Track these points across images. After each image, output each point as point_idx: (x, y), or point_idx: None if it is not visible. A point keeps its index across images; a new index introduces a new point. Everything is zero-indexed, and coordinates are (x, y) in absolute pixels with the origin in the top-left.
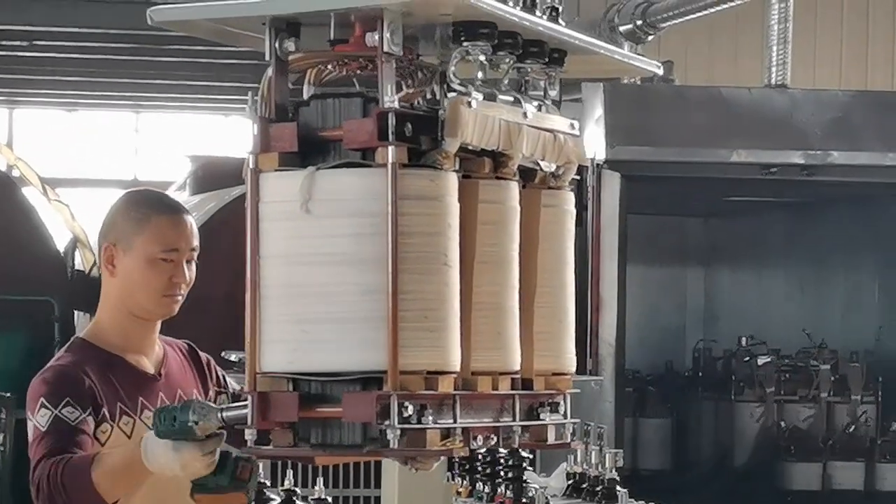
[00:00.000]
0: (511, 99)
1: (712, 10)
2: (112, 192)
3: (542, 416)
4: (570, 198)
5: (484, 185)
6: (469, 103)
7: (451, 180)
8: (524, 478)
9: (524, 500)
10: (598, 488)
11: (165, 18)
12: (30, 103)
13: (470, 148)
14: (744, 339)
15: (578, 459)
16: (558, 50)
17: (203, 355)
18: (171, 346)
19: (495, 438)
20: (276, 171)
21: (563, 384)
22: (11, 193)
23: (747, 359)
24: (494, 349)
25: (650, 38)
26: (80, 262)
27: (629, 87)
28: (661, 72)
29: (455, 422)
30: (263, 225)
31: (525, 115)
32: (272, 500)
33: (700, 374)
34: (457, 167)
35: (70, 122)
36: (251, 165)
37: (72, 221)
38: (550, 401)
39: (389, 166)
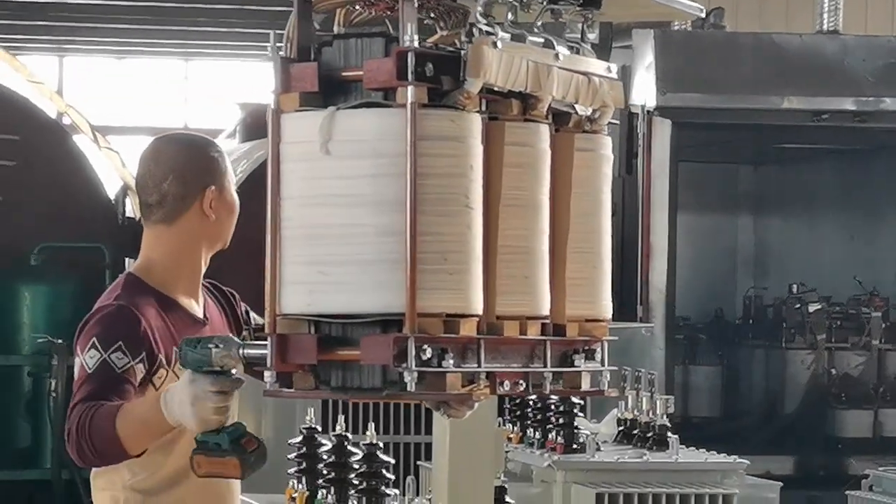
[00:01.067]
0: (541, 41)
1: None
2: None
3: (576, 363)
4: (607, 142)
5: (511, 127)
6: (494, 44)
7: (474, 121)
8: (575, 423)
9: (575, 446)
10: (648, 434)
11: None
12: (79, 51)
13: (496, 89)
14: (794, 286)
15: (629, 406)
16: None
17: (227, 290)
18: (204, 288)
19: (524, 384)
20: (297, 111)
21: (599, 331)
22: (62, 141)
23: (798, 306)
24: (521, 293)
25: None
26: (131, 209)
27: (679, 34)
28: (703, 14)
29: (479, 366)
30: (284, 166)
31: (557, 56)
32: (323, 444)
33: (750, 321)
34: (482, 108)
35: (119, 69)
36: (272, 106)
37: (122, 169)
38: (586, 347)
39: (409, 106)
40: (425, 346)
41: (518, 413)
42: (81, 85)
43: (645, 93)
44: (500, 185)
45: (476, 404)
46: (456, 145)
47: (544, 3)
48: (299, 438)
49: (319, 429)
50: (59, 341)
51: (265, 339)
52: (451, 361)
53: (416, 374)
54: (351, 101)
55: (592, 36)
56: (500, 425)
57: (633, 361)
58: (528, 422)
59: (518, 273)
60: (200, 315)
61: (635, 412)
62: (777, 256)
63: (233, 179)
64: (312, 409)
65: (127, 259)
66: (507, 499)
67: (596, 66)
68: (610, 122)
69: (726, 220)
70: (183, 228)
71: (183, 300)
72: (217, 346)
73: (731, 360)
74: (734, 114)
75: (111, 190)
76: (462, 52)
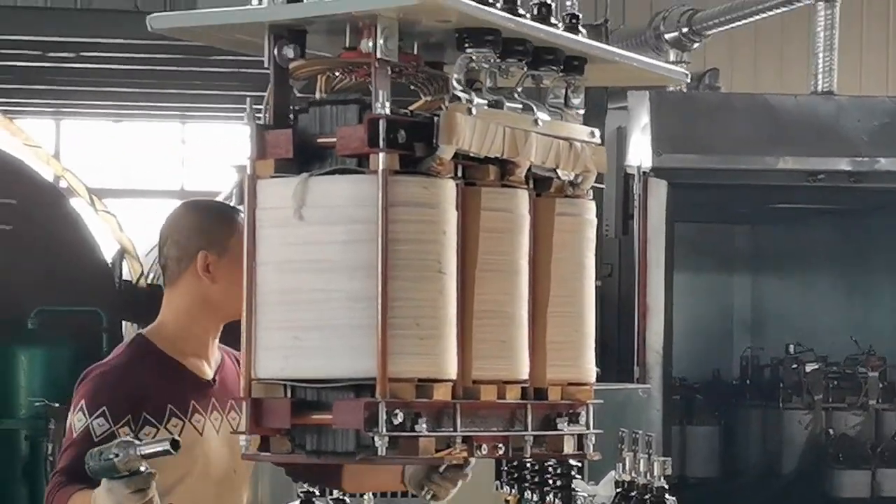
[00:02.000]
0: (520, 106)
1: (758, 17)
2: (159, 202)
3: (558, 427)
4: (590, 206)
5: (487, 193)
6: (469, 110)
7: (447, 187)
8: (572, 486)
9: None
10: (646, 496)
11: (164, 25)
12: (77, 114)
13: (472, 155)
14: (791, 346)
15: (627, 468)
16: (578, 58)
17: None
18: (228, 354)
19: (503, 448)
20: (272, 177)
21: (583, 394)
22: (59, 205)
23: (795, 366)
24: (498, 357)
25: (696, 45)
26: (128, 272)
27: (674, 95)
28: (688, 80)
29: (455, 430)
30: (259, 231)
31: (536, 122)
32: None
33: (747, 381)
34: (458, 174)
35: (116, 132)
36: (248, 172)
37: (119, 232)
38: (570, 411)
39: (380, 173)
40: (397, 411)
41: (516, 476)
42: (79, 148)
43: (641, 154)
44: (476, 250)
45: (459, 483)
46: (428, 211)
47: (525, 69)
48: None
49: (317, 492)
50: (56, 405)
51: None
52: (425, 426)
53: (386, 439)
54: (326, 167)
55: (577, 101)
56: (497, 488)
57: (630, 423)
58: (526, 484)
59: (495, 337)
60: (209, 377)
61: (633, 474)
62: (774, 316)
63: None
64: None
65: (124, 322)
66: None
67: (578, 131)
68: (595, 187)
69: (723, 280)
70: (182, 291)
71: (191, 361)
72: (117, 455)
73: (728, 420)
74: (729, 174)
75: (108, 253)
76: (435, 118)
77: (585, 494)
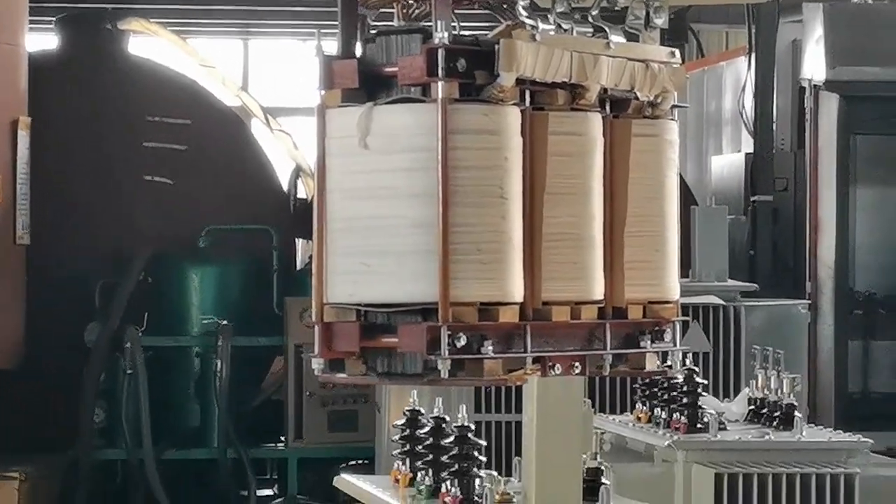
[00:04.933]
0: (590, 30)
1: None
2: None
3: (641, 345)
4: (671, 126)
5: (555, 117)
6: (533, 36)
7: (510, 114)
8: (699, 403)
9: (699, 426)
10: (776, 413)
11: None
12: (263, 34)
13: (540, 81)
14: None
15: (759, 385)
16: None
17: None
18: None
19: (580, 367)
20: (339, 107)
21: (667, 312)
22: (233, 125)
23: None
24: (570, 279)
25: None
26: (304, 191)
27: (850, 6)
28: None
29: (526, 351)
30: (328, 160)
31: (608, 45)
32: (425, 424)
33: None
34: (525, 100)
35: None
36: (318, 102)
37: (294, 150)
38: (654, 329)
39: (439, 101)
40: (460, 334)
41: (647, 393)
42: (265, 67)
43: (815, 67)
44: (544, 174)
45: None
46: (489, 138)
47: None
48: (402, 420)
49: (422, 410)
50: (225, 322)
51: None
52: (491, 348)
53: (448, 362)
54: (391, 96)
55: (660, 21)
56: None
57: (793, 340)
58: (657, 402)
59: (566, 259)
60: None
61: (765, 391)
62: None
63: None
64: (415, 392)
65: (298, 240)
66: (604, 480)
67: (655, 52)
68: (677, 106)
69: None
70: None
71: None
72: None
73: None
74: None
75: (282, 173)
76: (496, 46)
77: (713, 412)
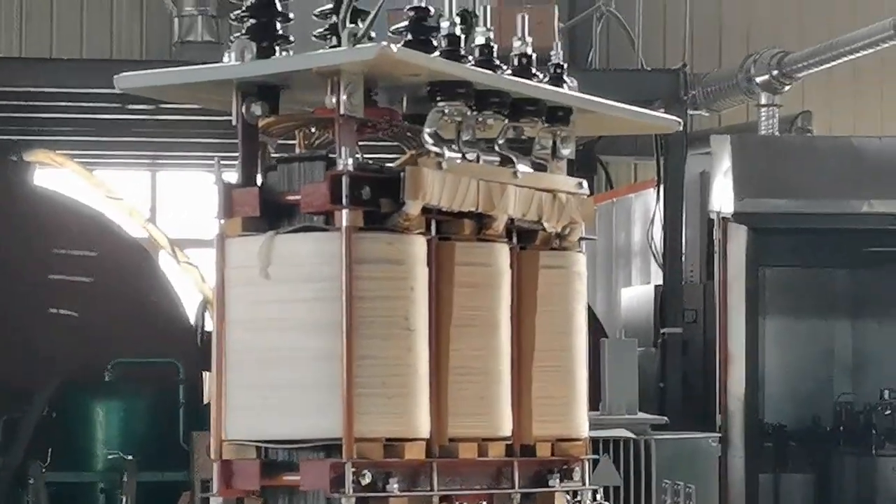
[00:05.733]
0: (496, 159)
1: (847, 58)
2: None
3: (549, 483)
4: (579, 258)
5: (462, 247)
6: (440, 164)
7: (415, 243)
8: None
9: None
10: None
11: (132, 85)
12: (168, 166)
13: (445, 209)
14: (886, 391)
15: None
16: (564, 108)
17: None
18: None
19: None
20: (240, 235)
21: (576, 450)
22: (139, 257)
23: (889, 412)
24: (478, 414)
25: (787, 87)
26: (211, 322)
27: (757, 139)
28: (679, 127)
29: (433, 489)
30: (228, 290)
31: (515, 174)
32: None
33: (841, 427)
34: (430, 229)
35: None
36: (217, 230)
37: (202, 283)
38: (563, 467)
39: (343, 229)
40: (365, 471)
41: None
42: (173, 199)
43: (723, 198)
44: (451, 305)
45: None
46: (394, 268)
47: (506, 121)
48: None
49: None
50: (130, 457)
51: None
52: (397, 486)
53: (353, 500)
54: (294, 224)
55: (566, 151)
56: None
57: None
58: None
59: (473, 394)
60: None
61: None
62: (872, 361)
63: None
64: None
65: (205, 374)
66: None
67: (563, 182)
68: (584, 238)
69: (819, 325)
70: None
71: None
72: None
73: (822, 467)
74: (814, 219)
75: (190, 305)
76: (401, 174)
77: None
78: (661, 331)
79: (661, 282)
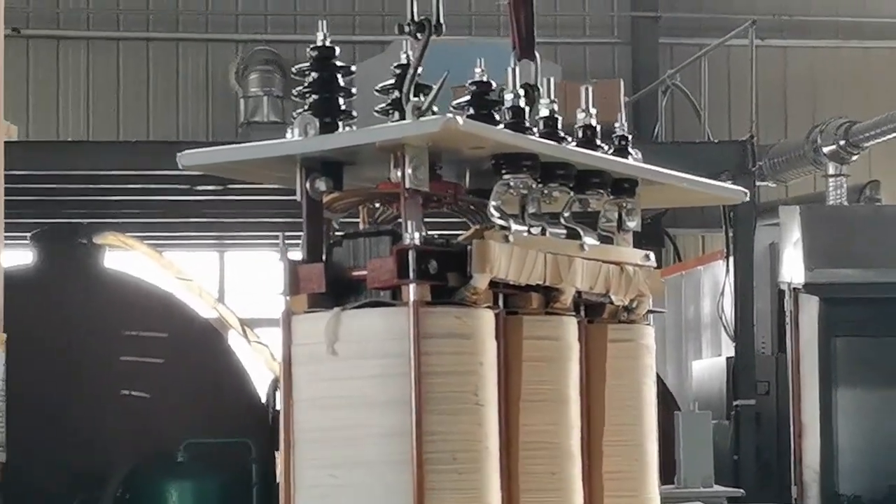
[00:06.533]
0: (563, 231)
1: None
2: None
3: None
4: (647, 331)
5: (530, 321)
6: (506, 237)
7: (484, 317)
8: None
9: None
10: None
11: (195, 162)
12: (237, 246)
13: (513, 283)
14: None
15: None
16: (629, 180)
17: None
18: None
19: None
20: (306, 312)
21: None
22: (210, 337)
23: None
24: (549, 490)
25: (854, 157)
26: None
27: (826, 209)
28: (746, 198)
29: None
30: (294, 369)
31: (581, 247)
32: None
33: None
34: (497, 303)
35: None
36: (283, 308)
37: (272, 361)
38: None
39: (411, 304)
40: None
41: None
42: (242, 278)
43: (793, 269)
44: (519, 380)
45: None
46: (462, 342)
47: (571, 193)
48: None
49: None
50: None
51: None
52: None
53: None
54: (360, 300)
55: (632, 223)
56: None
57: None
58: None
59: (543, 469)
60: None
61: None
62: None
63: None
64: None
65: (276, 453)
66: None
67: (630, 254)
68: (652, 311)
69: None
70: None
71: None
72: None
73: None
74: (885, 287)
75: (261, 384)
76: (469, 247)
77: None
78: (734, 403)
79: (732, 354)
